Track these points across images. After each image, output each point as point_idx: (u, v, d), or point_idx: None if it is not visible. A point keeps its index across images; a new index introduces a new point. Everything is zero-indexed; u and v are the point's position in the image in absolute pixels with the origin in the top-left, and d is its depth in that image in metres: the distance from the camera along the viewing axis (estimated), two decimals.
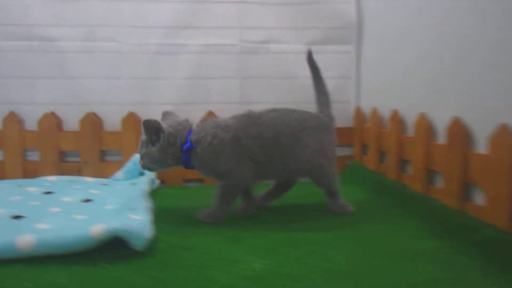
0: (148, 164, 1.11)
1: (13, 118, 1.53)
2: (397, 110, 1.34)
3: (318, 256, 0.88)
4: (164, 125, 1.07)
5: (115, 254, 0.86)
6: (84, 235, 0.86)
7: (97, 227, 0.87)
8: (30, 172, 1.53)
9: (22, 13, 1.52)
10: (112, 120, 1.56)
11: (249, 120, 1.11)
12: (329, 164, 1.15)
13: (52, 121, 1.53)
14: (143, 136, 1.09)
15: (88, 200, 1.18)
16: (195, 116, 1.56)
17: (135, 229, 0.88)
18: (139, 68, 1.56)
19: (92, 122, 1.54)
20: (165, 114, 1.18)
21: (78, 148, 1.54)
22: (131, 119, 1.54)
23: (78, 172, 1.53)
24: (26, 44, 1.53)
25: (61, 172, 1.52)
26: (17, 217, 1.00)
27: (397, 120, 1.34)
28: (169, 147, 1.08)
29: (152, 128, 1.06)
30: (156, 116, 1.13)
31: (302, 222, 1.12)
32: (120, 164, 1.53)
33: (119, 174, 1.51)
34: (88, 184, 1.41)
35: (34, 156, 1.55)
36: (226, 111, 1.56)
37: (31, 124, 1.54)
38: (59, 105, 1.55)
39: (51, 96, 1.54)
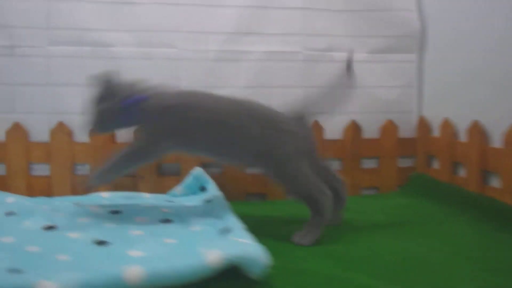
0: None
1: (63, 129, 1.40)
2: (477, 120, 1.31)
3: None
4: None
5: (227, 283, 0.77)
6: (200, 264, 0.75)
7: (213, 255, 0.76)
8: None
9: (73, 17, 1.41)
10: None
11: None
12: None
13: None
14: None
15: (167, 221, 1.08)
16: None
17: (253, 255, 0.78)
18: (198, 76, 1.46)
19: None
20: None
21: None
22: None
23: (133, 187, 1.42)
24: (76, 49, 1.41)
25: (114, 187, 1.39)
26: (101, 242, 0.90)
27: (479, 130, 1.30)
28: None
29: None
30: None
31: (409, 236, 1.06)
32: (177, 178, 1.43)
33: (178, 189, 1.41)
34: (150, 201, 1.31)
35: (83, 170, 1.43)
36: None
37: (82, 135, 1.42)
38: None
39: None
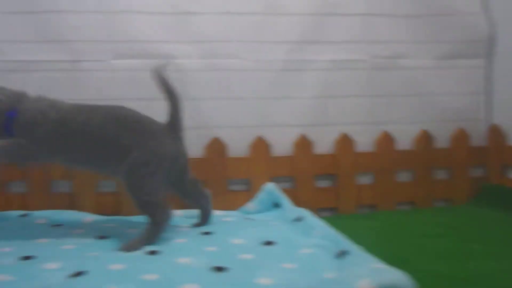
0: None
1: None
2: None
3: None
4: None
5: None
6: None
7: (363, 284, 0.70)
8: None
9: (136, 30, 1.36)
10: (237, 145, 1.40)
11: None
12: None
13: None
14: None
15: (270, 243, 1.01)
16: (327, 139, 1.43)
17: (402, 283, 0.71)
18: (263, 87, 1.41)
19: (217, 147, 1.37)
20: None
21: (202, 177, 1.36)
22: (259, 144, 1.39)
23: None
24: (140, 62, 1.36)
25: (183, 205, 1.34)
26: (218, 268, 0.84)
27: None
28: None
29: None
30: None
31: None
32: (247, 194, 1.37)
33: (251, 205, 1.35)
34: (228, 219, 1.25)
35: None
36: (359, 133, 1.46)
37: None
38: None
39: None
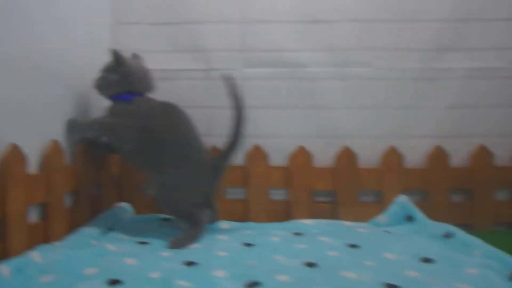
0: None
1: (258, 153, 1.36)
2: None
3: None
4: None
5: None
6: None
7: None
8: (276, 213, 1.35)
9: (268, 39, 1.37)
10: (369, 155, 1.36)
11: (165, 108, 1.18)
12: None
13: (303, 156, 1.35)
14: None
15: (429, 260, 0.97)
16: (463, 151, 1.36)
17: None
18: (397, 96, 1.36)
19: (348, 157, 1.35)
20: None
21: (333, 187, 1.35)
22: (391, 155, 1.34)
23: (332, 214, 1.34)
24: (272, 71, 1.38)
25: (312, 214, 1.33)
26: (391, 286, 0.82)
27: None
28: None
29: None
30: None
31: None
32: (378, 206, 1.33)
33: (382, 218, 1.30)
34: (362, 230, 1.22)
35: (278, 195, 1.38)
36: (497, 145, 1.36)
37: (277, 159, 1.37)
38: (308, 138, 1.37)
39: (300, 128, 1.38)
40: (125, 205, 1.36)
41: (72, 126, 1.14)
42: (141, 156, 1.14)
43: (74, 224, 1.12)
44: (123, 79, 1.16)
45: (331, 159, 1.36)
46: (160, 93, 1.27)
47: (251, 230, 1.22)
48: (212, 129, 1.36)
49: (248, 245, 1.08)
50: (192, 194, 1.13)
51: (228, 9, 1.38)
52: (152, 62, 1.35)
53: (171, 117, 1.16)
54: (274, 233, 1.18)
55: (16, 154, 0.90)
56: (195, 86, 1.39)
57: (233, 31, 1.38)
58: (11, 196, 0.88)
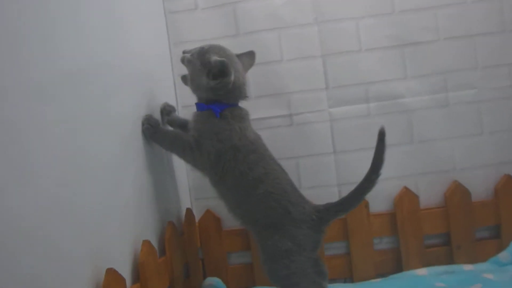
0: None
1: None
2: None
3: None
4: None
5: None
6: None
7: None
8: (383, 264, 1.22)
9: (354, 72, 1.21)
10: (481, 187, 1.20)
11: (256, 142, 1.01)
12: None
13: (409, 198, 1.20)
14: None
15: None
16: None
17: None
18: (506, 118, 1.19)
19: (460, 193, 1.19)
20: None
21: (445, 228, 1.20)
22: (508, 183, 1.19)
23: (446, 259, 1.20)
24: (361, 107, 1.21)
25: (424, 261, 1.19)
26: None
27: None
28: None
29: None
30: None
31: None
32: (496, 242, 1.19)
33: (505, 255, 1.17)
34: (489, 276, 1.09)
35: (382, 244, 1.24)
36: None
37: (378, 205, 1.22)
38: (411, 177, 1.21)
39: (400, 167, 1.20)
40: (215, 280, 1.22)
41: (148, 122, 0.97)
42: (227, 192, 0.99)
43: None
44: (219, 89, 0.96)
45: (439, 198, 1.21)
46: None
47: None
48: (301, 181, 1.22)
49: None
50: (302, 261, 0.96)
51: (307, 42, 1.21)
52: None
53: (266, 158, 0.99)
54: None
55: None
56: (277, 135, 1.22)
57: (314, 67, 1.21)
58: None
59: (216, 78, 0.94)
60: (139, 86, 1.00)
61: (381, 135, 0.94)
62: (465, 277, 1.11)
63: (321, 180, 1.22)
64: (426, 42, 1.19)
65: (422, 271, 1.18)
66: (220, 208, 1.12)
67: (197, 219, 1.25)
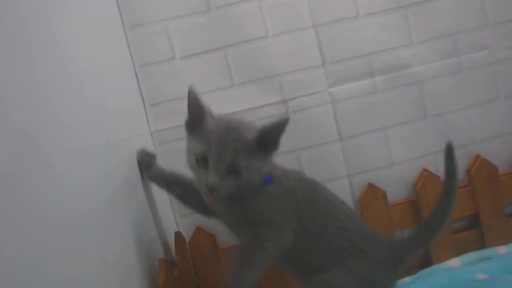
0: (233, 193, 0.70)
1: (374, 192, 1.01)
2: None
3: None
4: None
5: None
6: None
7: None
8: None
9: (352, 41, 1.00)
10: (502, 158, 1.05)
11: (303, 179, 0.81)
12: None
13: (431, 182, 1.02)
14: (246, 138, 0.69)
15: None
16: None
17: None
18: None
19: (485, 168, 1.03)
20: None
21: (473, 210, 1.04)
22: None
23: (476, 243, 1.04)
24: (364, 83, 1.01)
25: (453, 249, 1.03)
26: None
27: None
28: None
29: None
30: None
31: None
32: None
33: None
34: None
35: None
36: None
37: (396, 193, 1.04)
38: (429, 156, 1.03)
39: (416, 147, 1.03)
40: None
41: None
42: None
43: None
44: None
45: (462, 175, 1.05)
46: None
47: None
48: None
49: None
50: None
51: (294, 12, 0.99)
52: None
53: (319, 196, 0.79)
54: None
55: None
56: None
57: (305, 40, 0.99)
58: None
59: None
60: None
61: (449, 150, 0.77)
62: (506, 263, 0.96)
63: (328, 173, 1.02)
64: (430, 0, 1.01)
65: (455, 262, 1.01)
66: (212, 222, 0.89)
67: (186, 239, 1.01)
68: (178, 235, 0.93)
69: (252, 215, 0.73)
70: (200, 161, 0.68)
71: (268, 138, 0.70)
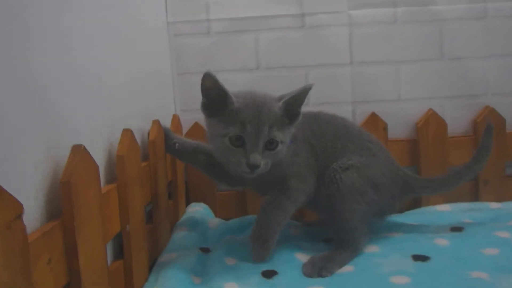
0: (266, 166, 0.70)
1: (376, 123, 0.99)
2: None
3: None
4: None
5: None
6: None
7: None
8: None
9: None
10: None
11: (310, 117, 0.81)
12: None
13: (435, 124, 0.99)
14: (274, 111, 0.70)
15: None
16: None
17: None
18: None
19: (494, 121, 0.97)
20: None
21: None
22: None
23: (471, 195, 1.01)
24: (384, 11, 0.98)
25: (446, 196, 0.98)
26: None
27: None
28: None
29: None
30: None
31: None
32: None
33: None
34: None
35: None
36: None
37: (398, 129, 1.01)
38: (438, 99, 1.00)
39: (426, 87, 1.00)
40: (201, 206, 0.97)
41: None
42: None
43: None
44: None
45: (466, 125, 1.02)
46: (236, 51, 0.89)
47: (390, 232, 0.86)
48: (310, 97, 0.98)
49: (418, 257, 0.74)
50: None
51: None
52: (221, 9, 0.97)
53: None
54: (423, 231, 0.84)
55: None
56: (284, 39, 0.99)
57: None
58: None
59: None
60: None
61: (489, 129, 0.83)
62: (496, 215, 0.92)
63: (333, 96, 1.00)
64: None
65: (444, 207, 0.97)
66: None
67: (183, 133, 1.00)
68: (176, 118, 0.93)
69: (279, 174, 0.74)
70: (234, 142, 0.68)
71: (293, 107, 0.71)
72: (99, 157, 0.55)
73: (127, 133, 0.60)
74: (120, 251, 0.61)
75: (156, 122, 0.75)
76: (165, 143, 0.79)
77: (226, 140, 0.68)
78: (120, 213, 0.58)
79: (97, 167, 0.50)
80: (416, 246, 0.77)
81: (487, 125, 0.83)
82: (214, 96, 0.69)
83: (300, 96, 0.71)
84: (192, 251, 0.74)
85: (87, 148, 0.47)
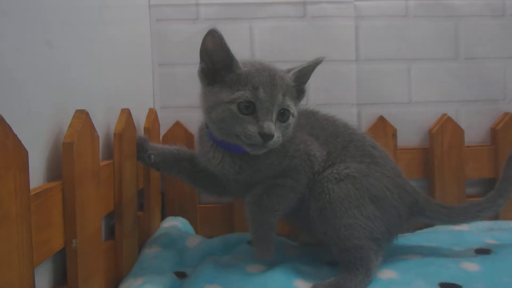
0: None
1: (384, 128, 0.84)
2: None
3: None
4: None
5: None
6: None
7: None
8: None
9: None
10: None
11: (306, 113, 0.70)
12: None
13: (450, 131, 0.84)
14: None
15: None
16: None
17: None
18: None
19: None
20: None
21: (492, 173, 0.86)
22: None
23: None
24: (393, 4, 0.85)
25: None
26: None
27: None
28: None
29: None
30: None
31: None
32: None
33: None
34: None
35: None
36: None
37: (408, 136, 0.86)
38: (453, 104, 0.86)
39: (440, 90, 0.86)
40: (179, 221, 0.80)
41: None
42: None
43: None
44: None
45: (482, 133, 0.88)
46: (228, 41, 0.74)
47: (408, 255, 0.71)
48: (309, 96, 0.83)
49: (448, 286, 0.58)
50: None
51: None
52: None
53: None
54: (444, 253, 0.69)
55: None
56: (282, 30, 0.85)
57: None
58: None
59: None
60: None
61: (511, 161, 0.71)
62: None
63: (335, 96, 0.85)
64: None
65: (461, 226, 0.81)
66: (193, 121, 0.72)
67: (161, 134, 0.83)
68: (152, 112, 0.76)
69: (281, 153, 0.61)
70: (243, 110, 0.55)
71: (300, 81, 0.62)
72: (39, 144, 0.39)
73: (81, 115, 0.44)
74: (63, 276, 0.44)
75: (125, 112, 0.58)
76: (138, 153, 0.64)
77: (234, 107, 0.55)
78: (64, 223, 0.41)
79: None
80: (442, 271, 0.61)
81: (509, 156, 0.69)
82: (216, 59, 0.56)
83: (309, 69, 0.61)
84: (164, 276, 0.57)
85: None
